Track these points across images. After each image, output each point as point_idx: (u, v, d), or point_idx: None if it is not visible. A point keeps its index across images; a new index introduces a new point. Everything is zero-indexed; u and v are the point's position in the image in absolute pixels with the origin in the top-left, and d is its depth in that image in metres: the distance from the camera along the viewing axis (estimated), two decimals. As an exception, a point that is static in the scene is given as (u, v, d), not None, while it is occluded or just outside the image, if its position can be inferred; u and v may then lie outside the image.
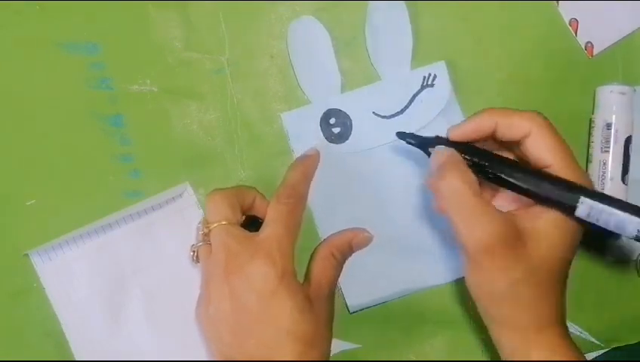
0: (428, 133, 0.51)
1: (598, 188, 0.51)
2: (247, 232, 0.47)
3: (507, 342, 0.45)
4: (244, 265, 0.45)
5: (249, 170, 0.52)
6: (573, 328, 0.53)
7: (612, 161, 0.50)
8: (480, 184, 0.43)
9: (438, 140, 0.46)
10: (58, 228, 0.50)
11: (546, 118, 0.44)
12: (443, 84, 0.51)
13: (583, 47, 0.52)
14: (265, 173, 0.52)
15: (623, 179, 0.50)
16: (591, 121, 0.52)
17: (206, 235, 0.47)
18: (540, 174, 0.43)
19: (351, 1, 0.51)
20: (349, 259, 0.51)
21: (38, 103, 0.51)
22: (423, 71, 0.51)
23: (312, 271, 0.48)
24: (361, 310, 0.52)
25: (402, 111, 0.51)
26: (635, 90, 0.51)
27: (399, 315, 0.53)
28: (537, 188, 0.42)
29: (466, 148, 0.44)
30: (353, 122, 0.51)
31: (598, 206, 0.40)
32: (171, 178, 0.52)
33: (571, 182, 0.42)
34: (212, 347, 0.47)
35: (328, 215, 0.52)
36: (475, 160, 0.44)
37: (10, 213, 0.51)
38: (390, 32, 0.50)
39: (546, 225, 0.42)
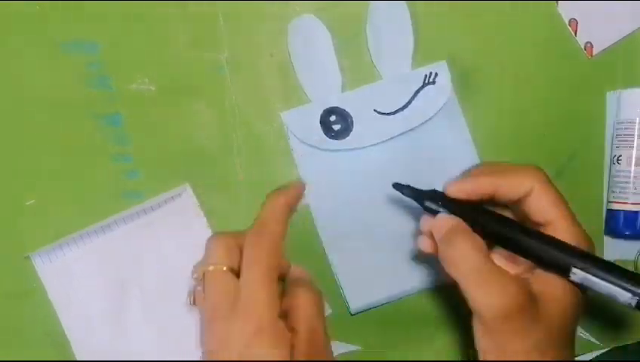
0: (429, 131, 0.51)
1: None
2: (234, 279, 0.44)
3: None
4: (224, 318, 0.43)
5: (248, 169, 0.52)
6: (574, 328, 0.54)
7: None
8: None
9: (434, 195, 0.45)
10: (57, 227, 0.50)
11: (545, 173, 0.43)
12: (444, 82, 0.51)
13: (583, 47, 0.52)
14: (264, 173, 0.52)
15: None
16: (616, 124, 0.52)
17: (200, 280, 0.45)
18: (540, 237, 0.42)
19: (352, 0, 0.51)
20: (349, 259, 0.52)
21: (36, 102, 0.50)
22: (425, 70, 0.51)
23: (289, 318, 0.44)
24: (362, 311, 0.52)
25: (404, 107, 0.51)
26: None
27: (400, 317, 0.53)
28: (540, 253, 0.41)
29: (464, 211, 0.43)
30: (354, 119, 0.51)
31: (590, 277, 0.40)
32: (170, 178, 0.51)
33: (569, 248, 0.41)
34: None
35: (328, 213, 0.52)
36: (477, 221, 0.43)
37: (9, 212, 0.50)
38: (391, 31, 0.50)
39: (555, 291, 0.41)
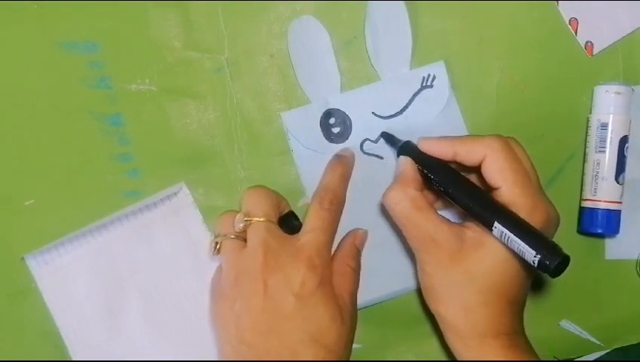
0: (427, 132, 0.51)
1: (591, 188, 0.51)
2: (286, 233, 0.47)
3: (451, 345, 0.47)
4: (284, 266, 0.45)
5: (249, 169, 0.52)
6: (574, 328, 0.54)
7: (606, 161, 0.51)
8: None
9: (407, 145, 0.49)
10: (57, 227, 0.50)
11: (505, 142, 0.45)
12: (442, 85, 0.51)
13: (583, 46, 0.52)
14: (265, 173, 0.52)
15: (617, 179, 0.50)
16: (588, 121, 0.52)
17: (242, 230, 0.47)
18: (473, 194, 0.45)
19: (351, 1, 0.51)
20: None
21: (36, 103, 0.51)
22: (422, 71, 0.51)
23: (334, 287, 0.48)
24: (360, 309, 0.52)
25: (401, 111, 0.51)
26: (633, 90, 0.51)
27: (398, 315, 0.53)
28: (465, 206, 0.45)
29: (424, 160, 0.48)
30: (353, 122, 0.51)
31: (507, 232, 0.42)
32: (171, 177, 0.52)
33: (495, 205, 0.44)
34: (225, 345, 0.47)
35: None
36: (425, 172, 0.47)
37: (8, 212, 0.51)
38: (390, 31, 0.50)
39: (490, 241, 0.44)
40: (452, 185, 0.46)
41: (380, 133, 0.51)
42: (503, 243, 0.43)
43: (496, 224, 0.43)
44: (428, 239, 0.45)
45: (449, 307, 0.46)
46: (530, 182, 0.45)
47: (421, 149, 0.48)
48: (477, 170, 0.46)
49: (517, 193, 0.44)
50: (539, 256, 0.40)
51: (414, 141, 0.49)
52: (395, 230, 0.52)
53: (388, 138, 0.51)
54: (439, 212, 0.46)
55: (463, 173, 0.48)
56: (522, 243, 0.41)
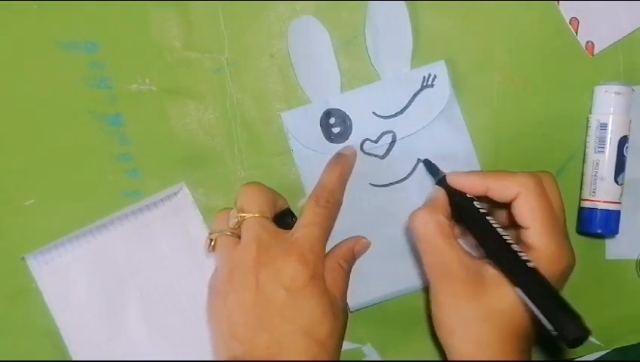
0: (428, 132, 0.51)
1: (590, 188, 0.51)
2: (280, 229, 0.47)
3: None
4: (276, 260, 0.45)
5: (249, 169, 0.52)
6: (574, 328, 0.53)
7: (606, 161, 0.50)
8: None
9: (444, 178, 0.48)
10: (57, 227, 0.50)
11: (539, 182, 0.45)
12: (443, 85, 0.51)
13: (584, 46, 0.52)
14: (265, 173, 0.52)
15: (617, 180, 0.50)
16: (587, 121, 0.52)
17: (236, 225, 0.47)
18: (500, 249, 0.44)
19: (351, 1, 0.51)
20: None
21: (37, 103, 0.51)
22: (423, 71, 0.51)
23: (325, 282, 0.47)
24: (360, 309, 0.52)
25: (402, 111, 0.51)
26: (633, 90, 0.51)
27: (398, 315, 0.53)
28: (490, 257, 0.44)
29: (457, 195, 0.47)
30: (353, 122, 0.51)
31: (527, 300, 0.41)
32: (171, 177, 0.52)
33: (520, 263, 0.42)
34: (218, 341, 0.47)
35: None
36: (460, 210, 0.47)
37: (9, 212, 0.51)
38: (390, 31, 0.50)
39: (502, 282, 0.43)
40: (483, 236, 0.45)
41: (380, 132, 0.51)
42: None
43: (518, 291, 0.42)
44: (447, 268, 0.44)
45: (462, 341, 0.45)
46: (559, 226, 0.44)
47: (450, 184, 0.47)
48: (507, 205, 0.46)
49: (544, 237, 0.43)
50: (557, 331, 0.39)
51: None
52: (395, 230, 0.52)
53: (430, 166, 0.51)
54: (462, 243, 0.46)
55: (493, 206, 0.47)
56: (542, 316, 0.40)
